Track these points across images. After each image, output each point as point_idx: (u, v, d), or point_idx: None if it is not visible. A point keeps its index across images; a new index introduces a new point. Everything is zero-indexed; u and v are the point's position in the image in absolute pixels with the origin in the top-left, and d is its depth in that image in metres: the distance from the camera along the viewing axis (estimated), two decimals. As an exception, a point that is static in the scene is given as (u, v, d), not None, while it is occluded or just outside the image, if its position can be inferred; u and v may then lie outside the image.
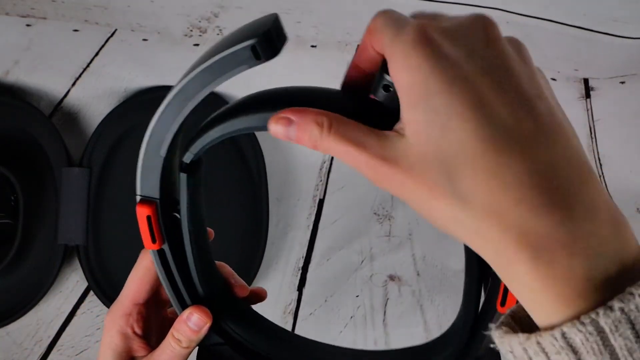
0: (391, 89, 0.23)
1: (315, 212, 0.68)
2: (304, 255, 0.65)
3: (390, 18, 0.23)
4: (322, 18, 0.72)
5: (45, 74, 0.71)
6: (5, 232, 0.62)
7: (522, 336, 0.20)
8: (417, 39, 0.21)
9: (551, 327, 0.19)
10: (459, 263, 0.65)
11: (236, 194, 0.65)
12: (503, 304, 0.28)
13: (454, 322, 0.34)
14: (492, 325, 0.22)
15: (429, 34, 0.21)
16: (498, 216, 0.19)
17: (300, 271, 0.64)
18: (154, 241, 0.31)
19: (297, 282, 0.63)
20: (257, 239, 0.63)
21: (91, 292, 0.63)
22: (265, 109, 0.26)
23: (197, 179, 0.32)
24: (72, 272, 0.65)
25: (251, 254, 0.62)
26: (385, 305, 0.61)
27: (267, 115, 0.25)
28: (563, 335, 0.18)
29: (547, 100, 0.21)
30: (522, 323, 0.21)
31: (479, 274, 0.29)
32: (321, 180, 0.70)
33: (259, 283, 0.63)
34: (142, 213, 0.30)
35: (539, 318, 0.20)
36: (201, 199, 0.33)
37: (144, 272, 0.34)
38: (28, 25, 0.75)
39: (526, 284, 0.19)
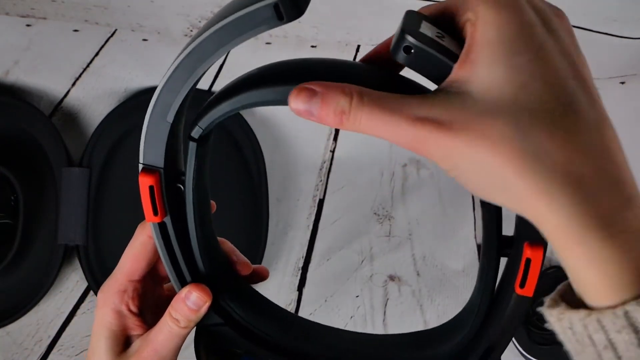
0: (412, 51, 0.22)
1: (315, 212, 0.68)
2: (304, 255, 0.65)
3: None
4: (322, 18, 0.72)
5: (45, 74, 0.71)
6: (5, 232, 0.62)
7: (583, 312, 0.20)
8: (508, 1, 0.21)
9: (612, 307, 0.19)
10: (459, 263, 0.65)
11: (236, 194, 0.65)
12: (522, 285, 0.26)
13: (467, 304, 0.32)
14: (546, 300, 0.21)
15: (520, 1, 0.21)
16: (577, 180, 0.19)
17: (300, 271, 0.64)
18: (155, 213, 0.29)
19: (297, 282, 0.63)
20: (257, 239, 0.63)
21: (91, 292, 0.63)
22: (284, 81, 0.24)
23: (205, 149, 0.29)
24: (72, 272, 0.65)
25: (251, 254, 0.62)
26: (385, 305, 0.61)
27: (286, 88, 0.23)
28: (626, 313, 0.18)
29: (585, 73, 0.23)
30: (572, 303, 0.21)
31: (497, 254, 0.27)
32: (321, 180, 0.70)
33: (259, 283, 0.63)
34: (145, 183, 0.28)
35: (596, 296, 0.20)
36: (207, 170, 0.31)
37: (140, 247, 0.32)
38: (28, 25, 0.75)
39: (595, 255, 0.19)
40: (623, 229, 0.19)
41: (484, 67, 0.20)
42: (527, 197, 0.20)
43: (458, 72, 0.21)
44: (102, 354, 0.32)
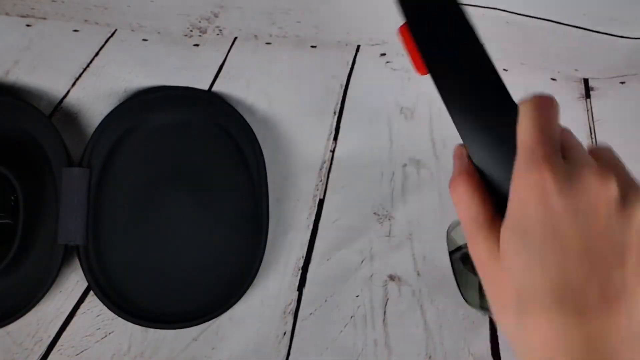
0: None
1: (315, 212, 0.68)
2: (304, 255, 0.65)
3: (544, 136, 0.25)
4: (322, 18, 0.72)
5: (45, 74, 0.71)
6: (5, 232, 0.62)
7: None
8: (539, 185, 0.23)
9: None
10: (459, 263, 0.65)
11: (236, 194, 0.65)
12: None
13: None
14: None
15: (550, 189, 0.23)
16: None
17: (300, 271, 0.64)
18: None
19: (297, 282, 0.63)
20: (257, 239, 0.63)
21: (91, 292, 0.63)
22: None
23: None
24: (72, 272, 0.65)
25: (251, 254, 0.62)
26: (385, 305, 0.61)
27: None
28: None
29: (626, 267, 0.23)
30: None
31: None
32: (321, 180, 0.70)
33: (259, 283, 0.63)
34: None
35: None
36: None
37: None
38: (28, 25, 0.75)
39: None
40: None
41: (505, 230, 0.25)
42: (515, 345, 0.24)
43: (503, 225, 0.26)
44: None
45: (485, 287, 0.25)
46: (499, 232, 0.25)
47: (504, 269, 0.24)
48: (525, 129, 0.25)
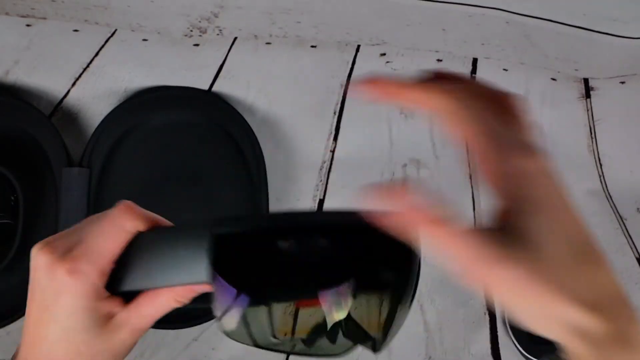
0: None
1: (315, 212, 0.68)
2: (304, 255, 0.65)
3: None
4: (322, 18, 0.72)
5: (45, 74, 0.71)
6: (5, 232, 0.62)
7: None
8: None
9: None
10: (459, 263, 0.65)
11: (236, 194, 0.65)
12: None
13: None
14: None
15: None
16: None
17: (300, 271, 0.64)
18: None
19: (297, 282, 0.63)
20: (257, 239, 0.63)
21: (91, 292, 0.63)
22: None
23: None
24: (72, 272, 0.64)
25: (251, 254, 0.62)
26: (385, 305, 0.61)
27: None
28: None
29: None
30: None
31: None
32: (321, 180, 0.70)
33: (259, 283, 0.63)
34: None
35: None
36: None
37: (125, 234, 0.30)
38: (28, 25, 0.75)
39: None
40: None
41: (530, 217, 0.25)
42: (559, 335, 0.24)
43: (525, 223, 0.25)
44: (82, 333, 0.29)
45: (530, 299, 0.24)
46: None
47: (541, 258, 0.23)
48: None
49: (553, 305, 0.23)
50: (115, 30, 0.76)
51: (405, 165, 0.71)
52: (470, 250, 0.25)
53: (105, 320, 0.30)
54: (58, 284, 0.29)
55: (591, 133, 0.73)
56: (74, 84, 0.71)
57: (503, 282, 0.24)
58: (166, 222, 0.33)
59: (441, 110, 0.27)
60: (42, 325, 0.30)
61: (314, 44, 0.76)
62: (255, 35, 0.75)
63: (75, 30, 0.75)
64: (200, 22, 0.74)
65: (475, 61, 0.76)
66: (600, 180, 0.71)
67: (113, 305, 0.31)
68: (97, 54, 0.73)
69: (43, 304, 0.30)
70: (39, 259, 0.29)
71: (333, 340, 0.32)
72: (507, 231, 0.24)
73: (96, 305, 0.30)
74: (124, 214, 0.30)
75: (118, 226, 0.30)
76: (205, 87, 0.70)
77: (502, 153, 0.25)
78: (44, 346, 0.30)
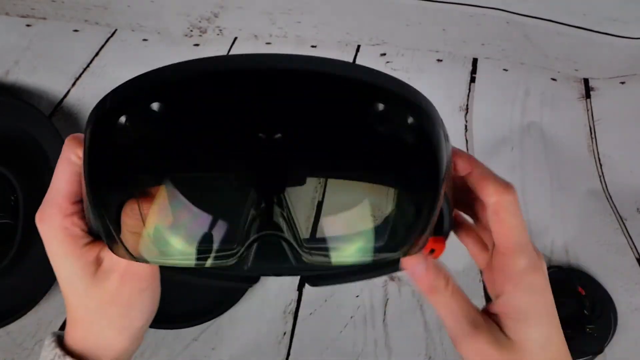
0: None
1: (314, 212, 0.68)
2: (304, 255, 0.65)
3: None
4: (322, 18, 0.72)
5: (45, 74, 0.71)
6: (5, 232, 0.62)
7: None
8: (545, 276, 0.30)
9: None
10: (459, 263, 0.65)
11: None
12: None
13: None
14: None
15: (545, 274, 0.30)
16: None
17: (300, 271, 0.64)
18: None
19: (297, 282, 0.63)
20: (257, 239, 0.63)
21: (91, 292, 0.63)
22: None
23: None
24: (72, 272, 0.65)
25: (251, 254, 0.62)
26: (385, 305, 0.61)
27: None
28: None
29: None
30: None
31: None
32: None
33: (259, 283, 0.63)
34: None
35: None
36: None
37: (74, 167, 0.29)
38: (28, 25, 0.75)
39: None
40: None
41: (528, 328, 0.30)
42: None
43: (517, 331, 0.30)
44: (76, 281, 0.29)
45: None
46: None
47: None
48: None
49: None
50: (115, 30, 0.76)
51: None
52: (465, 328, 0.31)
53: (96, 267, 0.29)
54: (42, 236, 0.29)
55: (591, 133, 0.74)
56: (74, 84, 0.71)
57: None
58: None
59: None
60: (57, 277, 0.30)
61: (314, 44, 0.76)
62: (255, 35, 0.75)
63: (75, 31, 0.76)
64: (200, 22, 0.74)
65: (475, 61, 0.76)
66: (600, 180, 0.71)
67: (99, 250, 0.29)
68: (97, 54, 0.74)
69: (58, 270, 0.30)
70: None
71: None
72: (499, 329, 0.30)
73: (81, 251, 0.29)
74: (68, 147, 0.29)
75: (66, 160, 0.29)
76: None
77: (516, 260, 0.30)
78: (66, 300, 0.30)
